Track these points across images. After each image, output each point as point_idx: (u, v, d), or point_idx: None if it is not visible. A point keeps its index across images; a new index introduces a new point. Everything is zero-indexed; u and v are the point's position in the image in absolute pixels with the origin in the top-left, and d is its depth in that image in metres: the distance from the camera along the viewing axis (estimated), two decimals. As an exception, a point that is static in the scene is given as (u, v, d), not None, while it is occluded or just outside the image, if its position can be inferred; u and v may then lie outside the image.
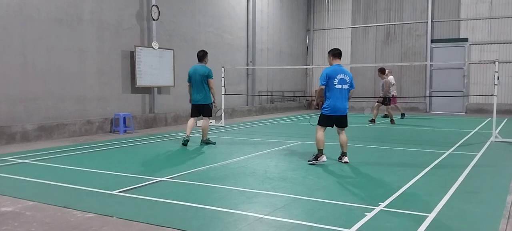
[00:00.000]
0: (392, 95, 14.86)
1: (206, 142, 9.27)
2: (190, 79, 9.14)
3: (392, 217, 4.33)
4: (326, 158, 7.20)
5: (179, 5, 14.09)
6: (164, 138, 10.68)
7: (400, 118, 15.49)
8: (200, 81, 9.01)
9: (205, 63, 9.22)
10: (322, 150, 7.13)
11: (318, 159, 7.10)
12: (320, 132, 7.20)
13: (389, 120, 14.36)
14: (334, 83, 7.06)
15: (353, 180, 5.99)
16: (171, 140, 10.40)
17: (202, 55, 9.25)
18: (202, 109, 9.20)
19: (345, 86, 7.13)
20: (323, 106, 7.27)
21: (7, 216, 4.39)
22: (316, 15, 22.80)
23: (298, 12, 22.10)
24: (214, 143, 9.33)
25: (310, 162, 7.09)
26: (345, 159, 7.22)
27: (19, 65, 9.66)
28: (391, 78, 15.28)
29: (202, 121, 9.43)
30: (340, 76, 7.08)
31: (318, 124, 7.31)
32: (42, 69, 10.10)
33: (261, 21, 18.78)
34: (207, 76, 9.01)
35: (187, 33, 14.50)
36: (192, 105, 9.26)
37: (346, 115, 7.28)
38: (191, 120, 9.26)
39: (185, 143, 8.98)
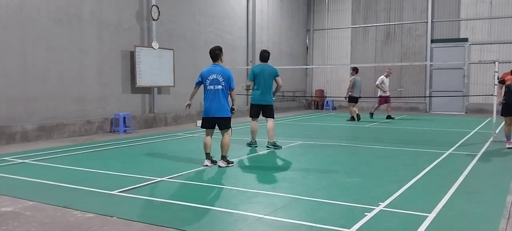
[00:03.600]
0: (381, 95, 15.69)
1: (273, 145, 8.76)
2: (254, 78, 8.69)
3: (392, 217, 4.33)
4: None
5: (179, 5, 14.09)
6: (164, 138, 10.68)
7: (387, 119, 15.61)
8: (270, 81, 8.71)
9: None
10: (207, 153, 6.92)
11: (204, 162, 6.93)
12: (205, 136, 7.02)
13: (350, 117, 15.32)
14: (207, 83, 6.83)
15: (353, 180, 5.99)
16: (171, 140, 10.40)
17: (268, 55, 8.90)
18: (266, 110, 8.84)
19: (219, 87, 6.75)
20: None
21: (7, 216, 4.39)
22: (316, 15, 22.81)
23: (298, 12, 22.10)
24: (280, 147, 8.78)
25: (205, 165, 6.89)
26: (220, 162, 6.86)
27: (19, 65, 9.66)
28: (381, 78, 15.55)
29: (269, 122, 8.85)
30: (213, 76, 6.79)
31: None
32: (42, 69, 10.10)
33: (261, 21, 18.78)
34: (275, 75, 8.73)
35: (187, 33, 14.51)
36: (257, 105, 8.78)
37: (223, 116, 6.84)
38: (256, 123, 8.94)
39: (251, 145, 8.96)
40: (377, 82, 15.67)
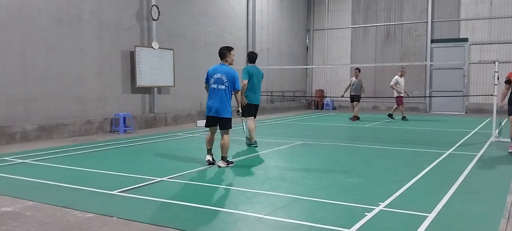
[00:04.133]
0: (398, 95, 15.40)
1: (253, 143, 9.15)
2: (250, 79, 8.82)
3: (392, 217, 4.33)
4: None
5: (179, 5, 14.09)
6: (164, 138, 10.68)
7: (402, 119, 15.43)
8: (260, 82, 9.11)
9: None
10: (208, 149, 7.02)
11: (206, 157, 7.02)
12: (208, 133, 7.10)
13: (354, 116, 15.53)
14: (210, 82, 6.86)
15: (353, 180, 5.99)
16: (171, 140, 10.40)
17: (256, 57, 9.24)
18: (256, 109, 9.17)
19: (222, 87, 6.74)
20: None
21: (7, 216, 4.39)
22: (316, 15, 22.81)
23: (298, 12, 22.10)
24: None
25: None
26: (220, 163, 6.87)
27: (19, 65, 9.66)
28: (401, 78, 15.34)
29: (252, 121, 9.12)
30: (217, 75, 6.79)
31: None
32: (42, 69, 10.11)
33: (261, 21, 18.78)
34: (263, 77, 9.25)
35: (187, 33, 14.51)
36: (250, 105, 8.93)
37: (224, 117, 6.81)
38: (252, 122, 9.04)
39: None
40: (391, 83, 15.34)
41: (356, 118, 15.44)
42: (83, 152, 8.48)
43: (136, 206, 4.77)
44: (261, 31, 18.84)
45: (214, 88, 6.80)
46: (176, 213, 4.51)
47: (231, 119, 6.96)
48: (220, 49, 7.06)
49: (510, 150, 8.29)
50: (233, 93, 6.94)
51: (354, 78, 15.62)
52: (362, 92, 15.54)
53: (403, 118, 15.44)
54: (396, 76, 15.41)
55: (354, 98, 15.51)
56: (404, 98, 15.63)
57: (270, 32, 19.64)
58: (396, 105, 15.63)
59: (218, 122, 6.91)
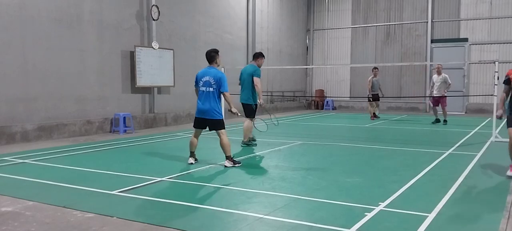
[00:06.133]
0: (432, 95, 13.99)
1: (247, 143, 9.15)
2: (240, 78, 9.23)
3: (392, 217, 4.33)
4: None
5: (179, 5, 14.09)
6: (164, 138, 10.68)
7: (442, 123, 13.83)
8: (247, 80, 8.97)
9: (256, 64, 9.19)
10: (191, 152, 7.12)
11: (188, 160, 7.13)
12: (193, 135, 7.18)
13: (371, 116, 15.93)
14: (200, 85, 6.93)
15: (353, 180, 5.99)
16: (171, 140, 10.40)
17: (255, 56, 9.36)
18: (244, 108, 9.14)
19: (210, 89, 6.81)
20: None
21: (7, 216, 4.39)
22: (316, 15, 22.81)
23: (298, 12, 22.10)
24: (255, 144, 9.27)
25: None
26: (226, 162, 6.94)
27: (19, 65, 9.66)
28: (438, 77, 13.63)
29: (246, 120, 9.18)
30: (205, 78, 6.87)
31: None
32: (42, 69, 10.11)
33: (261, 21, 18.78)
34: (252, 75, 8.91)
35: (187, 33, 14.51)
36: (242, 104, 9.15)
37: (214, 118, 6.88)
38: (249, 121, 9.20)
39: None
40: (431, 83, 14.21)
41: (375, 116, 15.86)
42: (83, 152, 8.48)
43: (136, 206, 4.77)
44: (261, 31, 18.84)
45: (203, 91, 6.91)
46: (176, 213, 4.51)
47: (222, 119, 6.99)
48: (208, 53, 7.06)
49: (508, 173, 6.21)
50: (223, 95, 6.99)
51: (373, 77, 15.59)
52: (380, 91, 15.91)
53: (434, 122, 14.02)
54: (433, 75, 13.91)
55: (376, 97, 15.75)
56: (445, 98, 13.74)
57: (270, 32, 19.64)
58: (435, 107, 14.21)
59: (207, 124, 7.00)
